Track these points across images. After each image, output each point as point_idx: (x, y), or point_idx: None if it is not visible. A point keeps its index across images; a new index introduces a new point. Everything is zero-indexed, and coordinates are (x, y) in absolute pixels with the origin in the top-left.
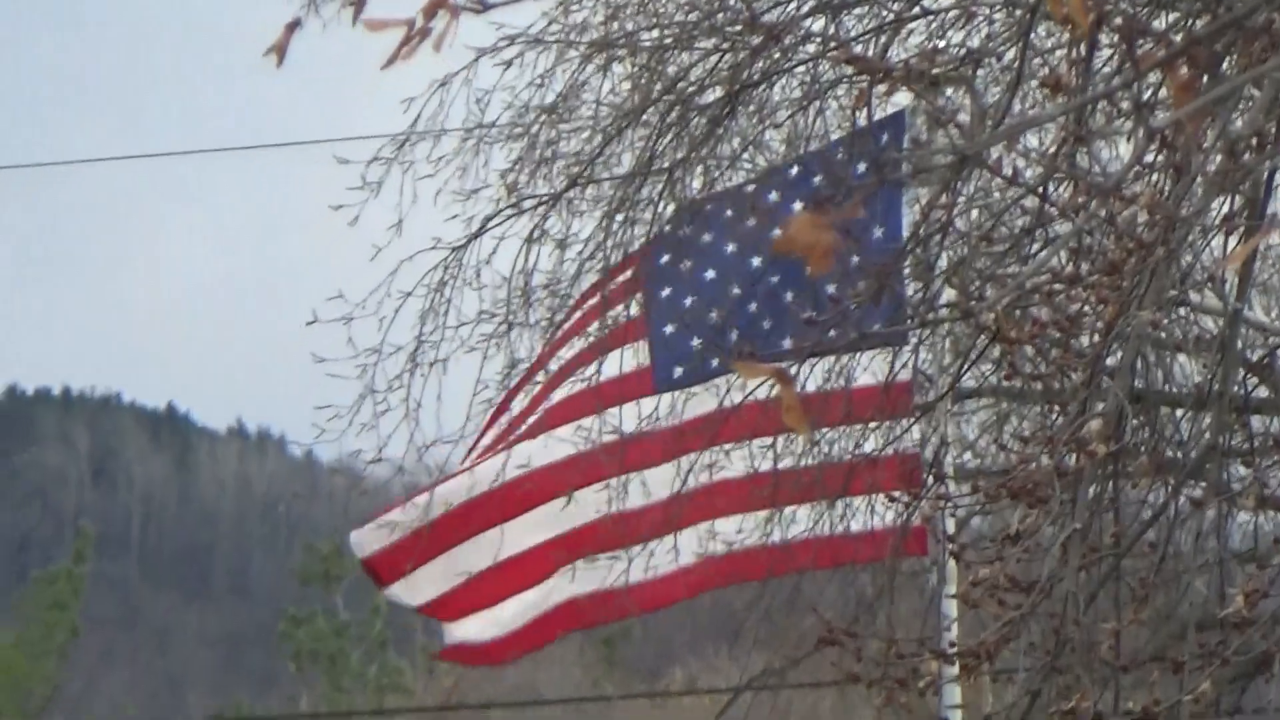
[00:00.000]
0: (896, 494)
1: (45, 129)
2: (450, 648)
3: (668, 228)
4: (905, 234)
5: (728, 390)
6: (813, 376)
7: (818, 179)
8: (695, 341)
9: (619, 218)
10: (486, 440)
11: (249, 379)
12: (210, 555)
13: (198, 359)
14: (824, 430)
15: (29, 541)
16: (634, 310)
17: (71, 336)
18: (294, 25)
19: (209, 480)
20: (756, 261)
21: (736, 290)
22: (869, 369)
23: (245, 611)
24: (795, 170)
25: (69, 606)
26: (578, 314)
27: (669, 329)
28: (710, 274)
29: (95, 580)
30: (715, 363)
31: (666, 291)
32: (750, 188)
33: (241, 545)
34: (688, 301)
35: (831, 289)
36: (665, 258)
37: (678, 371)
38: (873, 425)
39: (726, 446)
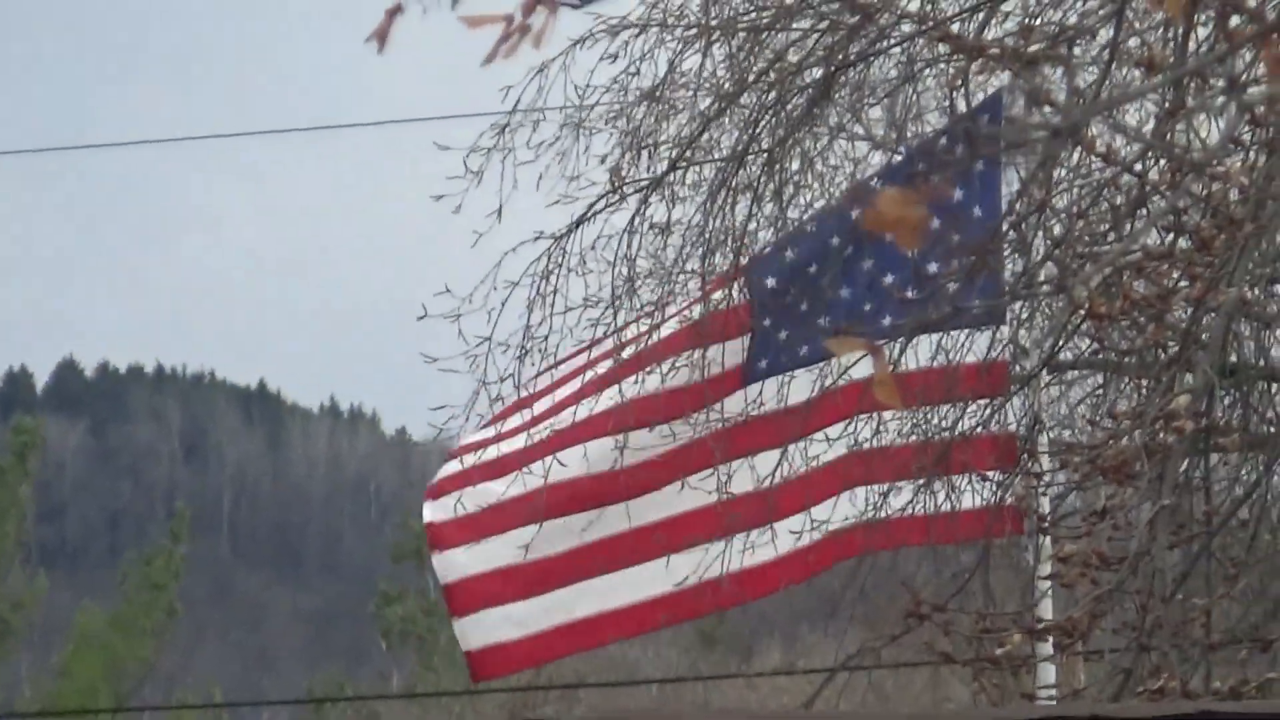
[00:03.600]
0: (991, 473)
1: (139, 104)
2: (484, 654)
3: (770, 227)
4: (1001, 212)
5: (824, 375)
6: (914, 355)
7: (913, 159)
8: (783, 334)
9: (719, 200)
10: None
11: (341, 357)
12: (302, 533)
13: (290, 337)
14: (924, 408)
15: (121, 518)
16: (735, 299)
17: (164, 313)
18: (395, 10)
19: (300, 458)
20: (866, 261)
21: (841, 286)
22: (971, 348)
23: (336, 589)
24: (896, 156)
25: (166, 587)
26: (674, 304)
27: (766, 321)
28: (813, 267)
29: (187, 558)
30: (804, 351)
31: (776, 287)
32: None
33: (332, 523)
34: (791, 296)
35: (932, 268)
36: (768, 248)
37: (763, 364)
38: (971, 403)
39: (828, 430)
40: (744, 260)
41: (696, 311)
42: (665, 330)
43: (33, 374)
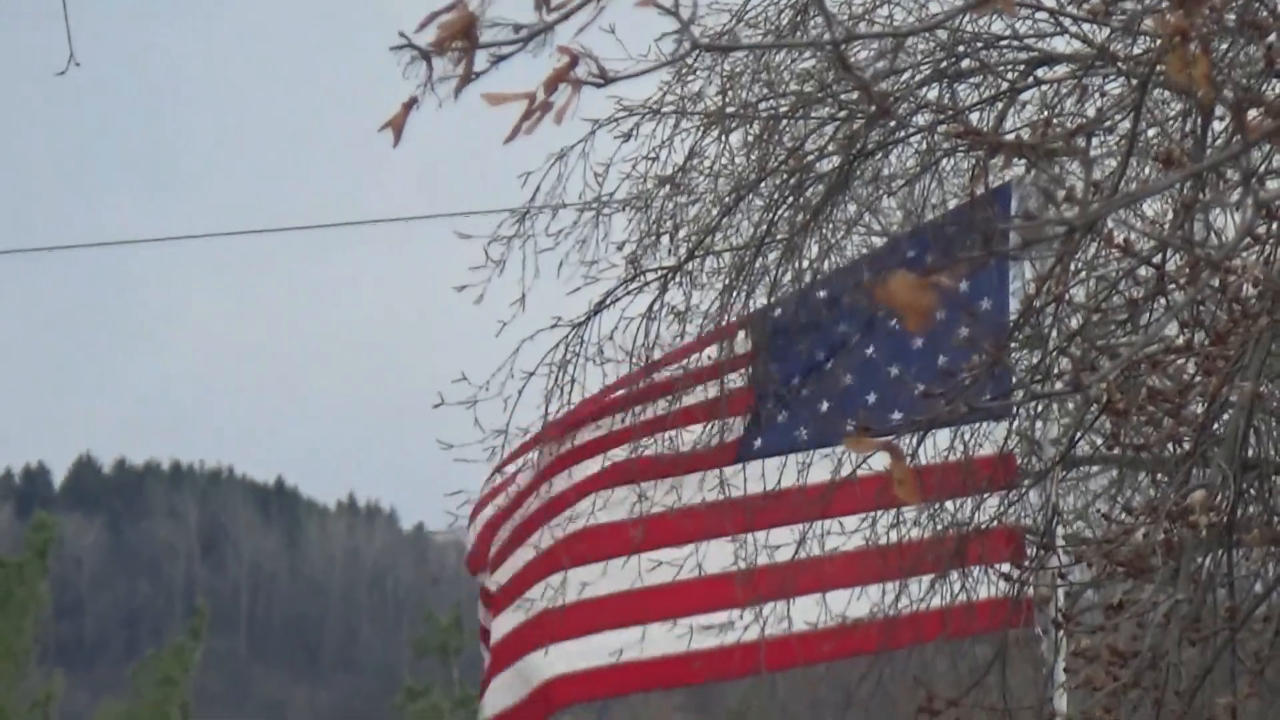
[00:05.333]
0: (1006, 568)
1: (142, 202)
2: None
3: (783, 305)
4: (1016, 304)
5: (840, 464)
6: (927, 447)
7: (927, 251)
8: (782, 415)
9: (737, 288)
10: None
11: (359, 453)
12: (319, 629)
13: (307, 433)
14: (937, 502)
15: (140, 615)
16: (738, 380)
17: (180, 409)
18: (411, 104)
19: (318, 554)
20: (869, 348)
21: (847, 376)
22: (983, 441)
23: (354, 685)
24: (909, 247)
25: (179, 682)
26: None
27: (768, 403)
28: (821, 356)
29: (204, 655)
30: (803, 434)
31: (779, 367)
32: (864, 263)
33: (350, 619)
34: (792, 378)
35: (942, 360)
36: (779, 333)
37: (758, 443)
38: (984, 496)
39: (841, 521)
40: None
41: (710, 389)
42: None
43: (50, 470)
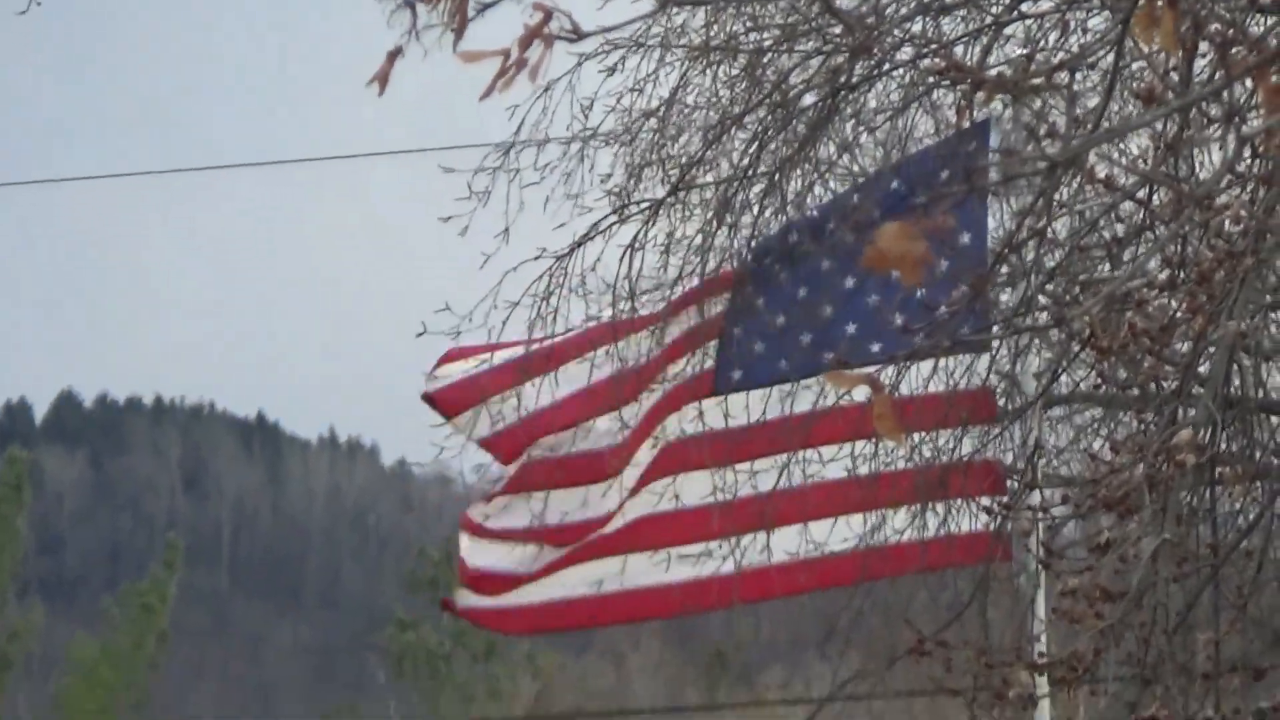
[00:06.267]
0: (988, 502)
1: (119, 138)
2: (476, 612)
3: (764, 241)
4: (997, 239)
5: (823, 395)
6: (906, 381)
7: (907, 189)
8: (759, 346)
9: (721, 222)
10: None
11: (341, 389)
12: (301, 564)
13: (288, 368)
14: (920, 435)
15: (121, 550)
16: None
17: (162, 344)
18: (396, 53)
19: (300, 490)
20: (849, 279)
21: (828, 308)
22: (966, 376)
23: (335, 620)
24: (892, 182)
25: (156, 613)
26: (677, 320)
27: (737, 330)
28: (803, 291)
29: (186, 590)
30: (784, 365)
31: (755, 298)
32: (847, 197)
33: (331, 555)
34: (773, 310)
35: (919, 294)
36: (760, 267)
37: (737, 374)
38: (965, 430)
39: (822, 450)
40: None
41: (689, 317)
42: (666, 339)
43: (31, 406)
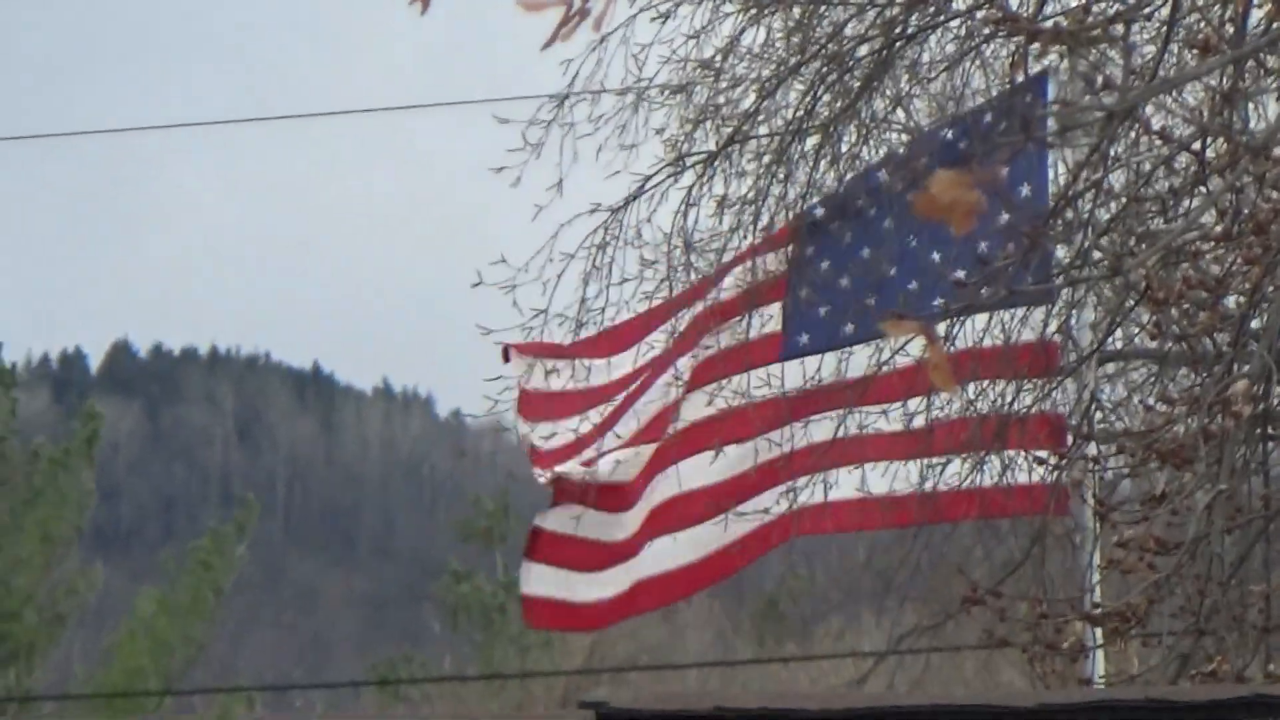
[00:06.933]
0: (1044, 454)
1: (188, 87)
2: (541, 603)
3: (823, 200)
4: (1055, 192)
5: (879, 353)
6: (964, 334)
7: (964, 141)
8: (823, 309)
9: (775, 175)
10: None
11: (395, 339)
12: (355, 516)
13: (343, 318)
14: (979, 385)
15: (176, 501)
16: (777, 271)
17: (217, 294)
18: None
19: (354, 441)
20: (911, 237)
21: (890, 267)
22: (1027, 324)
23: (389, 572)
24: (947, 133)
25: (213, 567)
26: (730, 276)
27: (803, 294)
28: (865, 251)
29: (241, 540)
30: (850, 329)
31: (819, 261)
32: (900, 150)
33: (386, 506)
34: (836, 272)
35: (981, 248)
36: (820, 227)
37: (804, 339)
38: (1026, 381)
39: (881, 407)
40: (794, 237)
41: (739, 275)
42: (721, 296)
43: (86, 356)
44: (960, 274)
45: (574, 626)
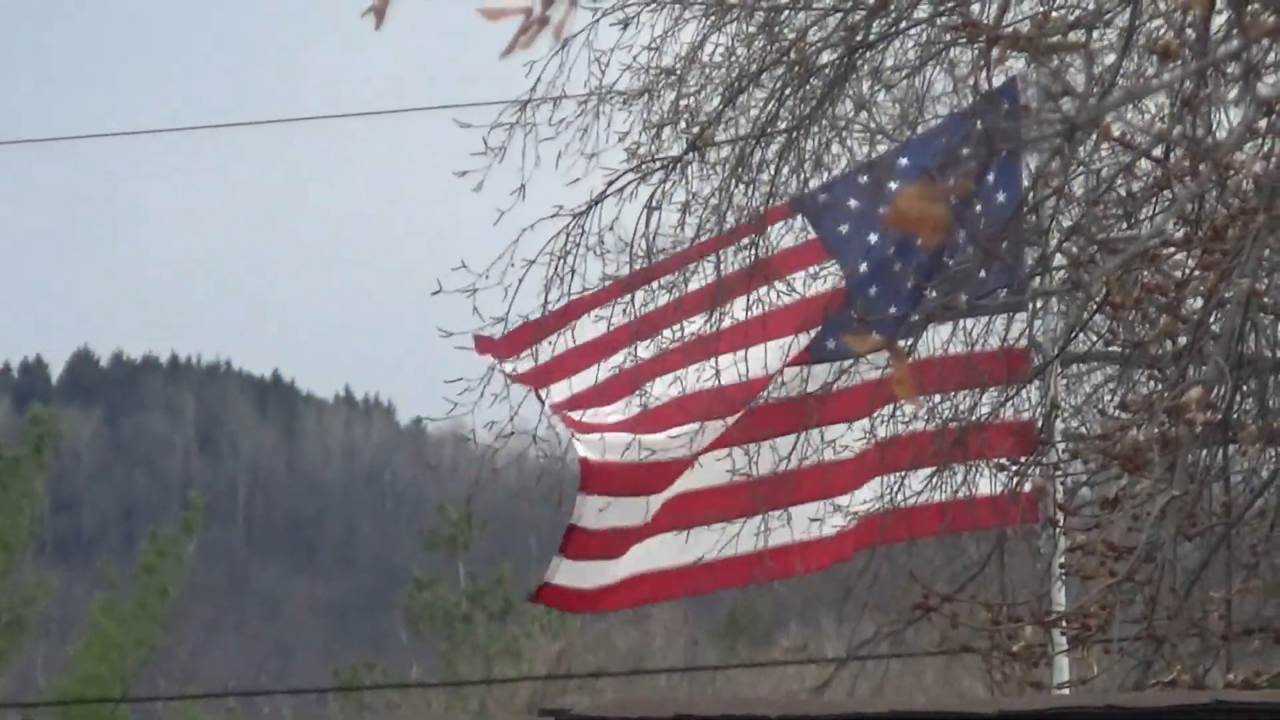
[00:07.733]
0: (1006, 461)
1: (132, 94)
2: (550, 589)
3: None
4: (1018, 198)
5: (840, 366)
6: (930, 340)
7: (931, 152)
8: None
9: (739, 180)
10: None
11: (357, 346)
12: (317, 523)
13: (304, 326)
14: (942, 395)
15: (137, 508)
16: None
17: (178, 303)
18: None
19: (315, 448)
20: (873, 238)
21: (864, 268)
22: (990, 332)
23: (352, 579)
24: (916, 149)
25: (164, 570)
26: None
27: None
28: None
29: (201, 549)
30: (831, 344)
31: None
32: (871, 162)
33: (348, 513)
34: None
35: (949, 259)
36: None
37: (832, 344)
38: (988, 389)
39: (850, 423)
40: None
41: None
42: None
43: (48, 364)
44: (923, 284)
45: (581, 609)
